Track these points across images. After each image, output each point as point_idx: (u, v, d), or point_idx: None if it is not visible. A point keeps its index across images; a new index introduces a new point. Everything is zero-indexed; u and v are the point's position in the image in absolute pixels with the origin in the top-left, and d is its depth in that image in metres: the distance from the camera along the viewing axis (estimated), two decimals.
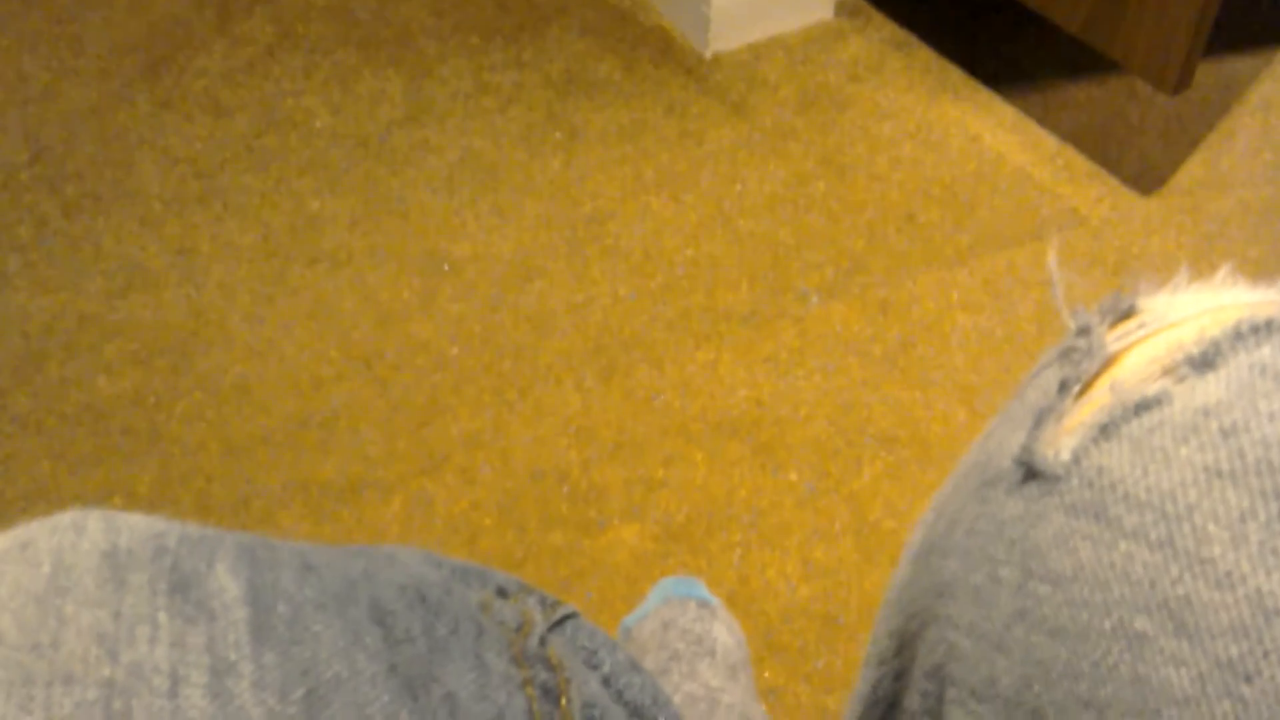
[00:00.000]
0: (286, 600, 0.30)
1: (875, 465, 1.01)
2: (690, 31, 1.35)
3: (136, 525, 0.30)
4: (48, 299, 1.11)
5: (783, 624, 0.93)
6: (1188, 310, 0.28)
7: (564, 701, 0.34)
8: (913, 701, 0.32)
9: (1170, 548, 0.23)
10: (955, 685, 0.28)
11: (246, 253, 1.15)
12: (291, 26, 1.36)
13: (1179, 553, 0.23)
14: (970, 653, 0.28)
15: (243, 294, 1.12)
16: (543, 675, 0.34)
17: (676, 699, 0.76)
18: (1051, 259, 1.18)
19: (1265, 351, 0.25)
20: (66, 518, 0.30)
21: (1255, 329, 0.25)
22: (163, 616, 0.28)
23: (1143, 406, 0.25)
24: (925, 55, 1.35)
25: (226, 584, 0.30)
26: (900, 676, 0.34)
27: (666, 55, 1.34)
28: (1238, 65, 1.35)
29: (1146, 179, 1.23)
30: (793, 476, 1.01)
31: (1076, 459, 0.26)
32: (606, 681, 0.37)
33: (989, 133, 1.27)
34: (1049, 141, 1.26)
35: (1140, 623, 0.23)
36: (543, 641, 0.35)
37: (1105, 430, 0.26)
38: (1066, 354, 0.29)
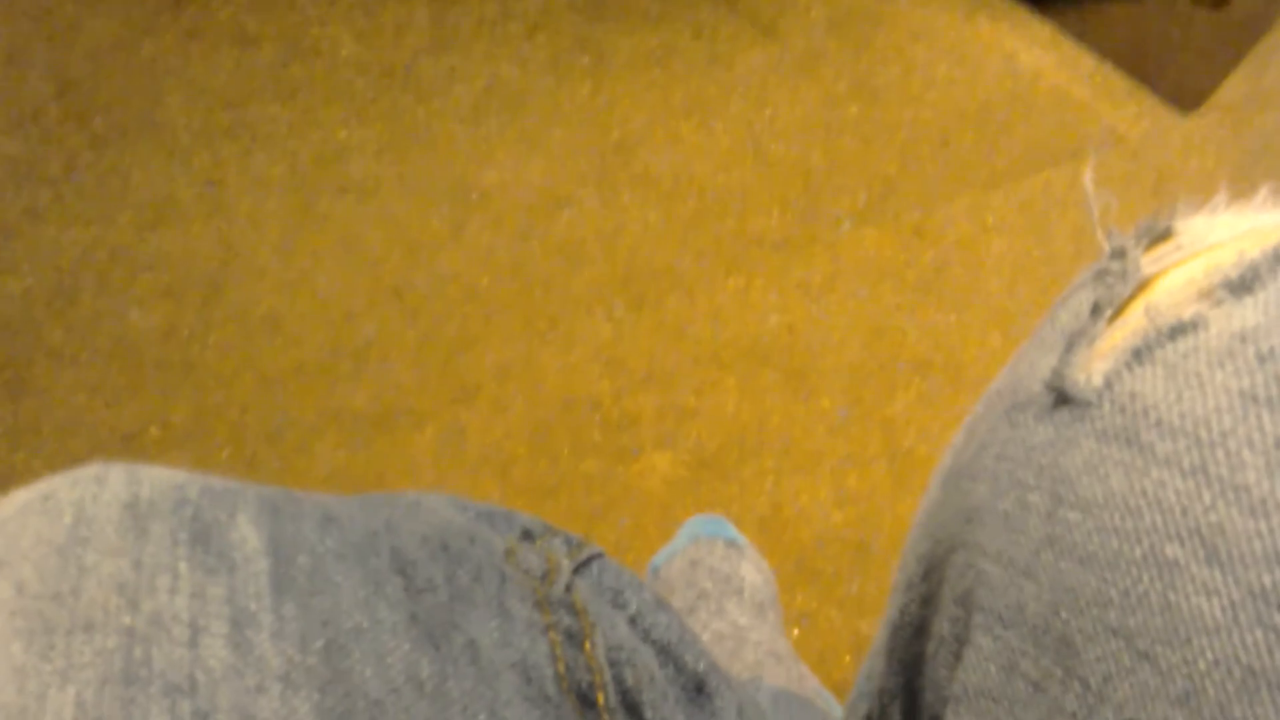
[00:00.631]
0: (307, 551, 0.30)
1: (908, 391, 1.01)
2: None
3: (158, 477, 0.30)
4: (79, 232, 1.12)
5: (815, 550, 0.93)
6: (1227, 232, 0.27)
7: (588, 645, 0.34)
8: (941, 627, 0.32)
9: (1203, 474, 0.22)
10: (982, 611, 0.28)
11: (275, 184, 1.15)
12: None
13: (1212, 480, 0.22)
14: (998, 579, 0.27)
15: (272, 226, 1.12)
16: (566, 620, 0.34)
17: (704, 637, 0.76)
18: (1088, 180, 1.16)
19: None
20: (89, 470, 0.30)
21: None
22: (183, 567, 0.28)
23: (1178, 331, 0.25)
24: None
25: (248, 535, 0.30)
26: (928, 601, 0.33)
27: None
28: None
29: (1186, 97, 1.20)
30: (825, 403, 1.00)
31: (1108, 384, 0.25)
32: (633, 621, 0.37)
33: (1025, 51, 1.24)
34: (1086, 60, 1.24)
35: (1171, 550, 0.22)
36: (569, 587, 0.35)
37: (1138, 355, 0.25)
38: (1100, 276, 0.29)
